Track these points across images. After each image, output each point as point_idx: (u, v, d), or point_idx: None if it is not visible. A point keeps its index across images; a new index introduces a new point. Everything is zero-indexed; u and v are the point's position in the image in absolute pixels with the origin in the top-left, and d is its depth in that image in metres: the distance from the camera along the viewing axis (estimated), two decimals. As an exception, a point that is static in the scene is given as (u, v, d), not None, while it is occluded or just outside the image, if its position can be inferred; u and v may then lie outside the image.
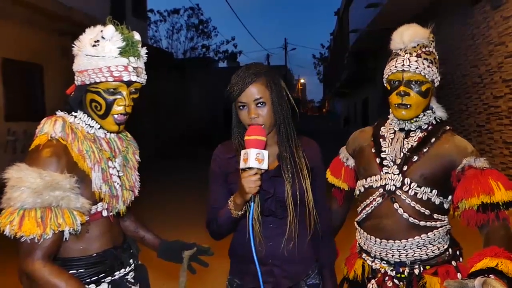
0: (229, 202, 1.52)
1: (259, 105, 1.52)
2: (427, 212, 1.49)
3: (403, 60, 1.46)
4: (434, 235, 1.50)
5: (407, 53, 1.47)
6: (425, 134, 1.54)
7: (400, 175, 1.50)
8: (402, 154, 1.53)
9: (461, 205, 1.44)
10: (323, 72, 53.71)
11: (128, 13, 12.89)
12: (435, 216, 1.50)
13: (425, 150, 1.52)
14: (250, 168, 1.41)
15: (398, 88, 1.48)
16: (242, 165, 1.42)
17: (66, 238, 1.30)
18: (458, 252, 1.58)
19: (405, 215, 1.49)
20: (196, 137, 18.17)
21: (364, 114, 20.53)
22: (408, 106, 1.47)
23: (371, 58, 17.48)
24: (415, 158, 1.50)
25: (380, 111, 15.99)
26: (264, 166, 1.41)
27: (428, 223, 1.49)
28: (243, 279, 1.63)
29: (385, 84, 1.56)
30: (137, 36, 1.41)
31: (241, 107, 1.54)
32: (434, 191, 1.49)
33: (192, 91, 19.54)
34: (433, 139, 1.53)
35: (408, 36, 1.48)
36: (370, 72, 17.89)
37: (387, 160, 1.54)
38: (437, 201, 1.50)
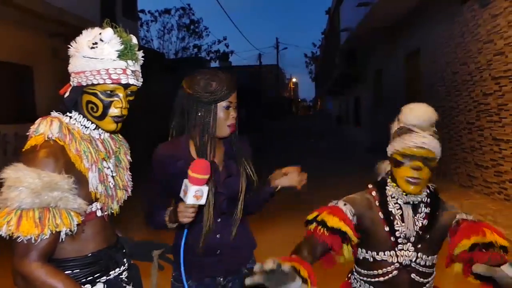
0: (165, 215, 1.65)
1: (236, 107, 1.73)
2: (430, 271, 1.64)
3: (422, 137, 1.54)
4: (430, 284, 1.66)
5: (424, 131, 1.55)
6: (429, 209, 1.63)
7: (415, 252, 1.60)
8: (415, 232, 1.61)
9: (456, 250, 1.56)
10: (315, 71, 53.86)
11: (118, 14, 12.82)
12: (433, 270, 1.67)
13: (435, 228, 1.62)
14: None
15: (413, 162, 1.55)
16: (181, 194, 1.48)
17: (62, 239, 1.30)
18: None
19: (417, 278, 1.61)
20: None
21: (356, 113, 20.61)
22: (419, 181, 1.55)
23: (362, 56, 17.56)
24: (428, 236, 1.61)
25: (372, 111, 16.11)
26: (202, 202, 1.48)
27: (429, 278, 1.66)
28: (190, 272, 1.71)
29: (392, 155, 1.61)
30: (134, 40, 1.43)
31: (228, 107, 1.69)
32: (436, 255, 1.66)
33: (184, 91, 19.47)
34: (437, 215, 1.64)
35: (426, 115, 1.58)
36: (362, 71, 17.97)
37: (401, 238, 1.60)
38: (435, 260, 1.67)
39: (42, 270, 1.24)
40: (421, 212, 1.62)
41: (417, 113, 1.58)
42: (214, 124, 1.68)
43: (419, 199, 1.62)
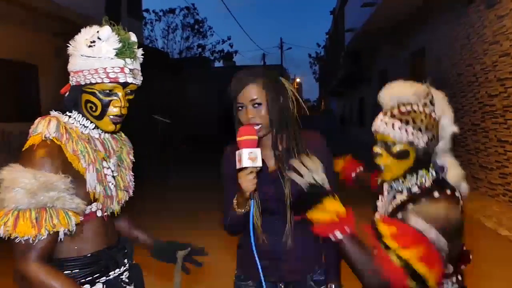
0: (234, 201, 1.59)
1: (256, 105, 1.58)
2: None
3: (378, 120, 1.43)
4: None
5: (382, 112, 1.44)
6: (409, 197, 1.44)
7: None
8: (385, 210, 1.51)
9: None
10: (319, 71, 53.81)
11: (123, 13, 12.85)
12: None
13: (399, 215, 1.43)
14: (245, 168, 1.45)
15: (374, 148, 1.44)
16: (238, 165, 1.47)
17: (61, 239, 1.29)
18: None
19: None
20: (191, 137, 18.16)
21: (361, 114, 20.57)
22: (382, 167, 1.44)
23: (367, 57, 17.52)
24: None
25: (376, 112, 15.95)
26: (258, 163, 1.45)
27: None
28: (248, 272, 1.68)
29: None
30: (133, 38, 1.40)
31: (239, 108, 1.60)
32: None
33: (188, 91, 19.52)
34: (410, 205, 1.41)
35: (386, 94, 1.45)
36: (366, 71, 17.93)
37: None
38: None
39: (41, 270, 1.23)
40: (395, 199, 1.47)
41: (383, 92, 1.46)
42: (237, 124, 1.63)
43: (403, 188, 1.45)
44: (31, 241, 1.21)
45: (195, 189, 8.51)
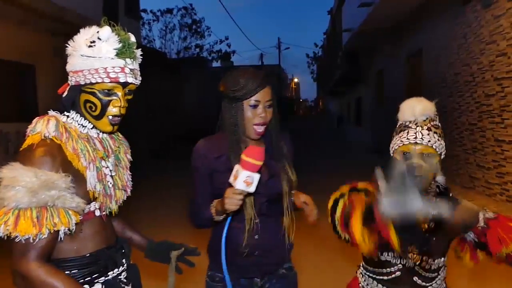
0: (212, 207, 1.62)
1: (268, 107, 1.65)
2: (434, 275, 1.61)
3: (415, 133, 1.49)
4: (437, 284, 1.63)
5: (418, 126, 1.51)
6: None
7: (419, 255, 1.57)
8: (420, 234, 1.57)
9: (500, 254, 1.55)
10: (317, 71, 53.78)
11: (121, 13, 12.82)
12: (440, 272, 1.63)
13: (442, 230, 1.57)
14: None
15: (411, 160, 1.49)
16: (231, 180, 1.46)
17: (61, 238, 1.29)
18: None
19: (419, 282, 1.59)
20: (189, 137, 18.12)
21: (358, 113, 20.58)
22: (419, 178, 1.49)
23: (364, 57, 17.53)
24: (433, 238, 1.56)
25: (374, 111, 16.07)
26: (252, 189, 1.45)
27: (432, 282, 1.62)
28: (233, 272, 1.68)
29: (392, 154, 1.58)
30: (133, 38, 1.41)
31: (254, 106, 1.62)
32: (444, 257, 1.61)
33: (186, 91, 19.48)
34: (445, 217, 1.57)
35: (420, 110, 1.52)
36: (364, 71, 17.94)
37: (406, 240, 1.56)
38: (442, 263, 1.62)
39: (41, 269, 1.23)
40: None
41: (412, 108, 1.53)
42: (242, 123, 1.64)
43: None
44: (31, 240, 1.21)
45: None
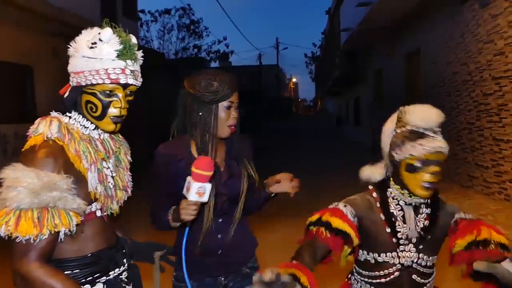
0: (169, 214, 1.64)
1: (237, 108, 1.73)
2: (431, 271, 1.64)
3: (439, 141, 1.50)
4: (430, 284, 1.66)
5: (436, 134, 1.53)
6: (430, 209, 1.63)
7: (417, 253, 1.60)
8: (416, 232, 1.60)
9: (453, 250, 1.59)
10: (315, 71, 53.81)
11: (119, 14, 12.82)
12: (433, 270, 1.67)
13: (435, 229, 1.62)
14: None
15: (430, 168, 1.50)
16: (184, 191, 1.49)
17: (61, 239, 1.30)
18: None
19: (418, 279, 1.61)
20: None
21: (356, 113, 20.60)
22: (434, 185, 1.53)
23: (362, 57, 17.55)
24: (429, 237, 1.60)
25: (372, 111, 16.09)
26: (205, 199, 1.48)
27: (430, 279, 1.65)
28: (191, 272, 1.70)
29: (404, 160, 1.54)
30: (134, 40, 1.42)
31: (228, 107, 1.69)
32: (436, 255, 1.65)
33: (184, 91, 19.48)
34: (438, 215, 1.63)
35: (436, 118, 1.54)
36: (362, 71, 17.96)
37: (402, 239, 1.60)
38: (435, 260, 1.66)
39: (41, 270, 1.24)
40: (422, 213, 1.61)
41: (428, 116, 1.54)
42: (215, 124, 1.68)
43: (421, 201, 1.60)
44: (32, 241, 1.22)
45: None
